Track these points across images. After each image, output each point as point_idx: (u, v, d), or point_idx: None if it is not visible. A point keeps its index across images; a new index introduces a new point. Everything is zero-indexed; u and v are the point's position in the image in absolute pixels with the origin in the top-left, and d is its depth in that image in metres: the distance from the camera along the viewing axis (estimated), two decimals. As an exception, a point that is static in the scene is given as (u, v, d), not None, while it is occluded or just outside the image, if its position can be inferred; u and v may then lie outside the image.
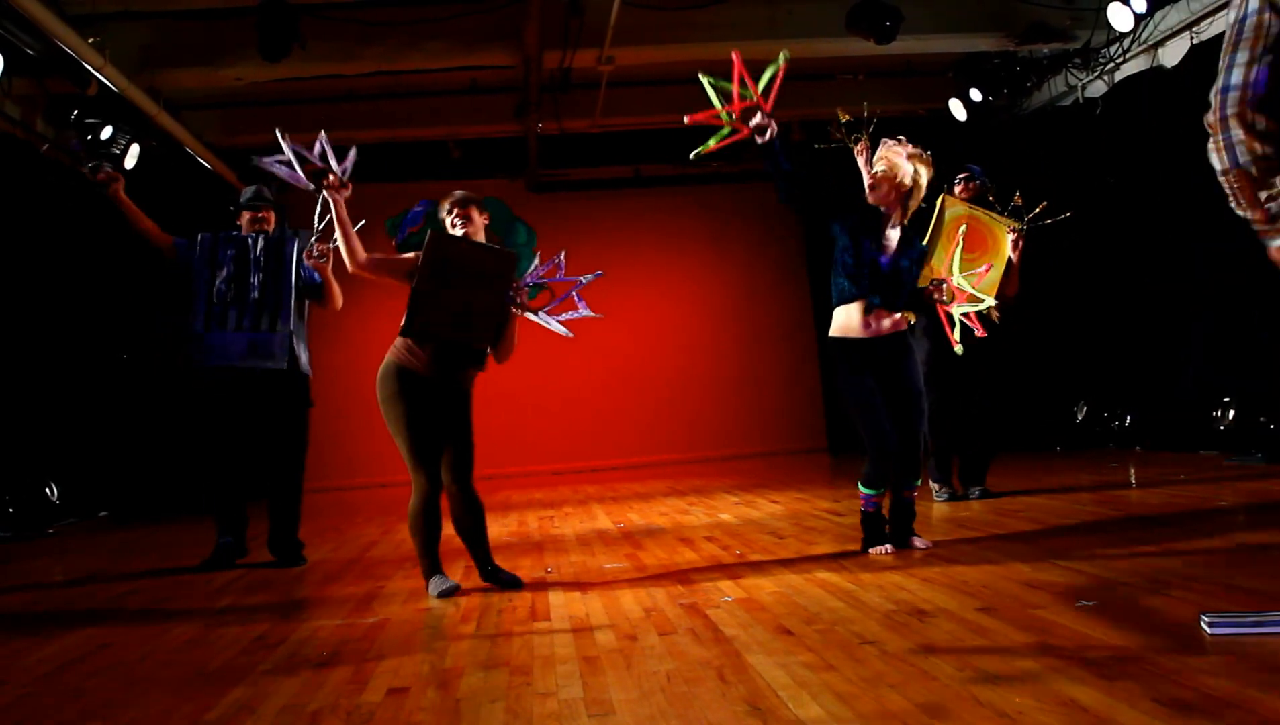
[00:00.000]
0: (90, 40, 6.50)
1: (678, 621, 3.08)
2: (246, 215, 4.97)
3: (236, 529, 5.00)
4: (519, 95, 8.54)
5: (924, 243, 4.95)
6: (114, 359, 8.79)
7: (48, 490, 7.71)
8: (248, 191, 5.06)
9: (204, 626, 3.56)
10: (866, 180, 4.08)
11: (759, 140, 3.79)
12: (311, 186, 3.74)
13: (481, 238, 3.91)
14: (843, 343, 4.03)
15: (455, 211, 3.88)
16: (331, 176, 3.69)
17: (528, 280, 3.87)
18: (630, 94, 8.90)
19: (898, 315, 4.07)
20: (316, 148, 3.69)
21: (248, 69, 7.41)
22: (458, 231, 3.86)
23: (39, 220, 8.00)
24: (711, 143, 3.73)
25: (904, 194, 4.02)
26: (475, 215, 3.90)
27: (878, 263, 3.99)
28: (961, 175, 5.40)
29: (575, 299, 3.88)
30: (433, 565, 3.91)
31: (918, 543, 4.02)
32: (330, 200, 3.73)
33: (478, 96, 9.02)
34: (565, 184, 10.39)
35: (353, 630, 3.33)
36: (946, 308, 4.11)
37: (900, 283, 4.03)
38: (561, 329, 3.91)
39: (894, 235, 4.06)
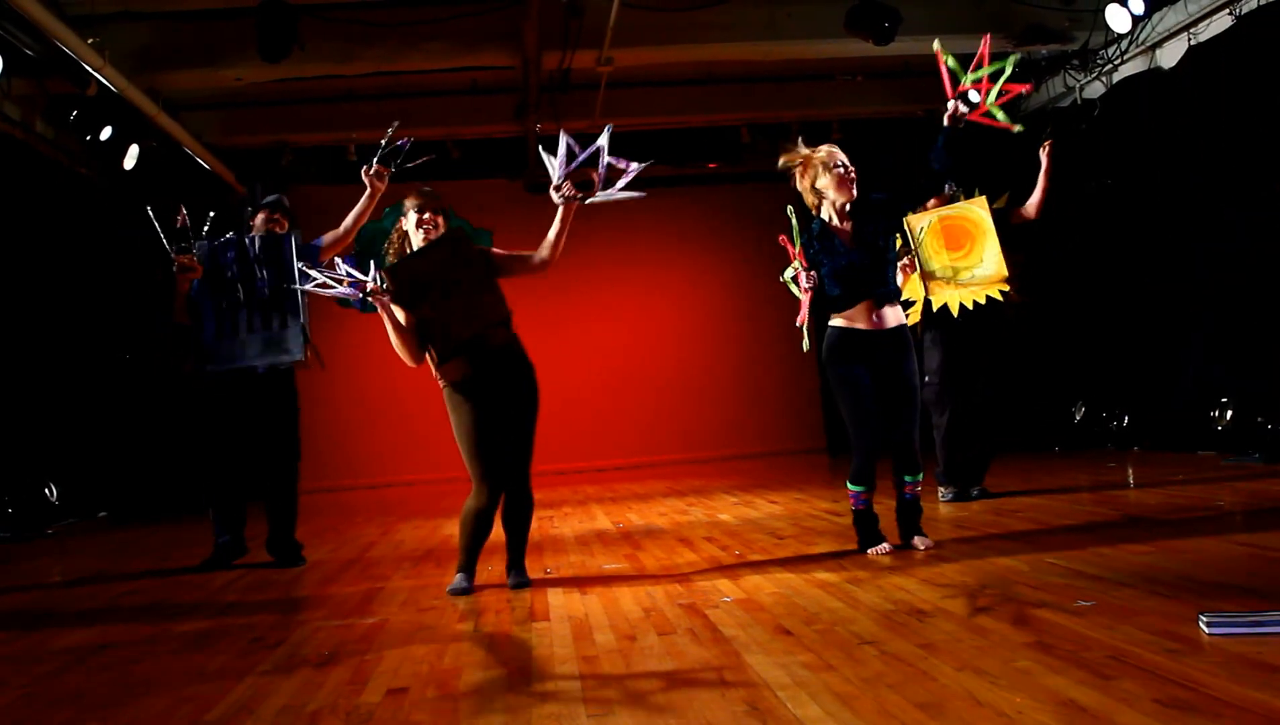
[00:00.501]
0: (90, 41, 6.50)
1: (677, 622, 3.09)
2: (263, 214, 4.98)
3: (234, 528, 5.00)
4: (518, 96, 8.55)
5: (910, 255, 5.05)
6: (114, 359, 8.79)
7: (47, 490, 7.71)
8: (270, 196, 5.10)
9: (204, 627, 3.56)
10: (838, 187, 4.04)
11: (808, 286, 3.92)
12: (361, 300, 3.77)
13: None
14: (845, 332, 4.03)
15: (428, 218, 3.82)
16: (372, 286, 3.69)
17: (559, 177, 3.73)
18: (629, 95, 8.90)
19: (899, 310, 4.08)
20: (340, 270, 3.71)
21: (247, 69, 7.41)
22: (418, 240, 3.82)
23: (39, 220, 8.00)
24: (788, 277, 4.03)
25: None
26: (441, 221, 3.88)
27: (853, 263, 3.99)
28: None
29: (617, 164, 3.72)
30: (464, 562, 3.92)
31: (919, 543, 4.02)
32: (380, 306, 3.72)
33: (478, 97, 9.02)
34: (564, 184, 10.39)
35: (352, 630, 3.33)
36: (984, 108, 3.97)
37: (882, 259, 4.02)
38: (631, 193, 3.76)
39: (847, 225, 4.05)
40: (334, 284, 3.71)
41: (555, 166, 3.74)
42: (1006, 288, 5.24)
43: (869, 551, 3.99)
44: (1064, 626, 2.63)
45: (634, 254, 10.63)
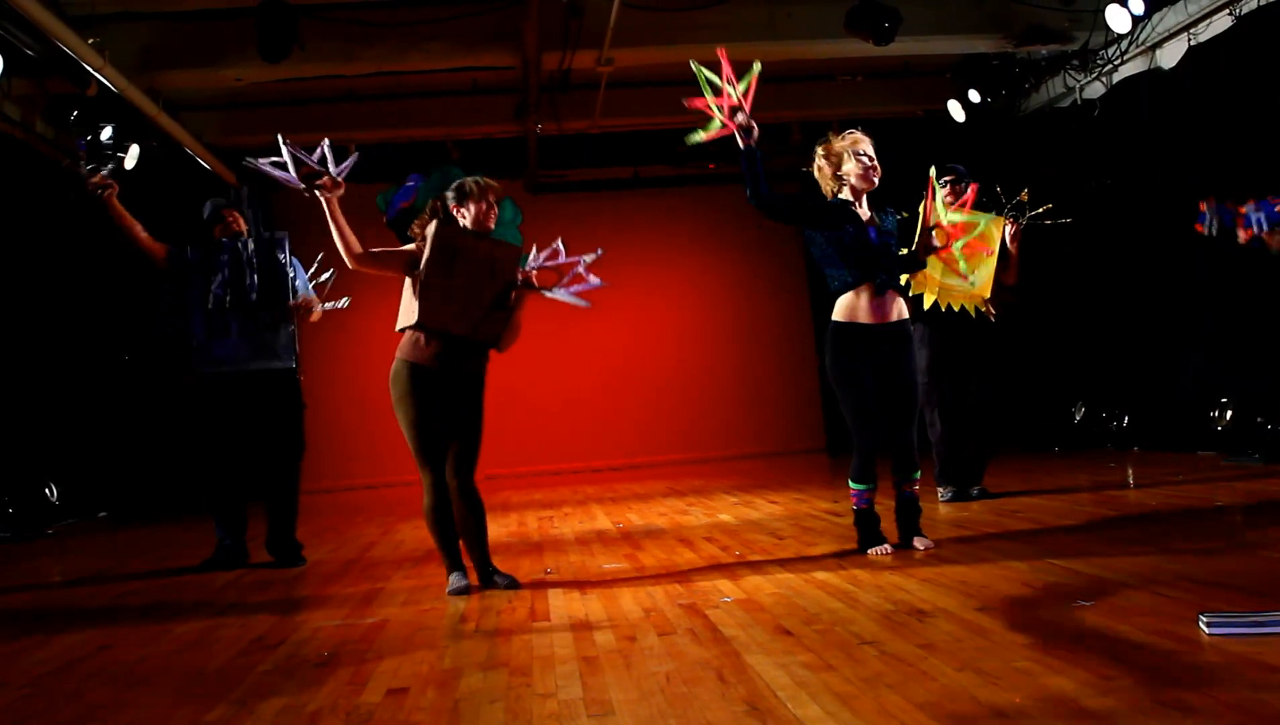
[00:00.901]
0: (90, 41, 6.51)
1: (677, 622, 3.09)
2: (216, 228, 4.98)
3: (236, 531, 5.00)
4: (519, 96, 8.55)
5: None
6: (114, 360, 8.79)
7: (47, 490, 7.72)
8: (206, 208, 5.06)
9: (204, 627, 3.57)
10: (861, 175, 4.07)
11: (742, 141, 3.89)
12: (303, 187, 3.67)
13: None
14: (848, 328, 4.03)
15: (490, 205, 3.82)
16: (325, 178, 3.64)
17: (532, 265, 3.87)
18: (629, 95, 8.90)
19: (901, 301, 4.10)
20: (317, 152, 3.66)
21: (247, 69, 7.42)
22: (475, 224, 3.81)
23: (39, 220, 8.00)
24: (702, 134, 3.91)
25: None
26: (495, 216, 3.89)
27: (868, 240, 4.02)
28: (947, 178, 5.33)
29: (584, 273, 3.88)
30: (451, 562, 3.91)
31: (919, 544, 4.01)
32: (323, 200, 3.66)
33: (478, 97, 9.03)
34: (564, 185, 10.40)
35: (352, 631, 3.33)
36: (949, 251, 4.15)
37: (892, 253, 4.07)
38: (579, 301, 3.91)
39: (865, 210, 4.09)
40: (291, 167, 3.64)
41: (535, 258, 3.88)
42: (983, 308, 5.26)
43: (869, 552, 3.99)
44: (1064, 627, 2.63)
45: (634, 254, 10.63)
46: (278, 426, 4.91)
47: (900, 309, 4.08)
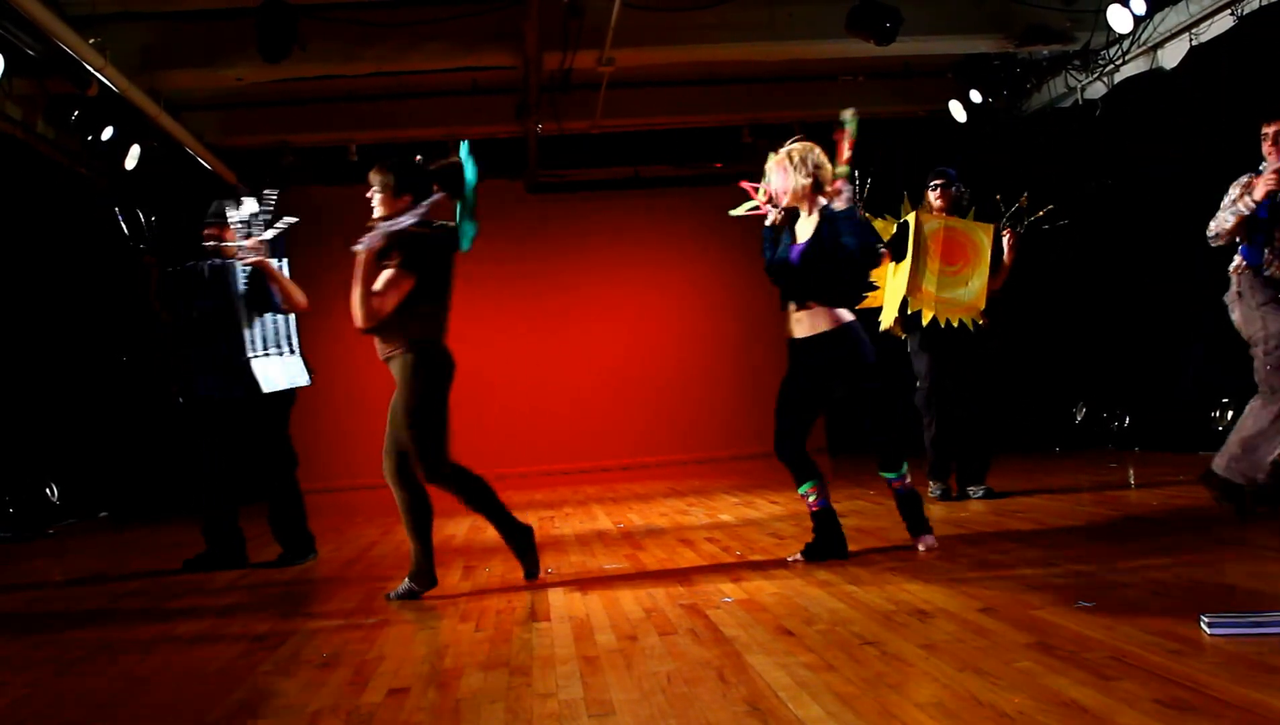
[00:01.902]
0: (90, 41, 6.51)
1: (678, 622, 3.09)
2: (209, 231, 4.94)
3: (218, 539, 4.94)
4: (519, 96, 8.54)
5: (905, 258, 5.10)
6: (114, 360, 8.78)
7: (48, 490, 7.71)
8: (212, 206, 5.02)
9: (204, 627, 3.57)
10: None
11: (772, 220, 4.07)
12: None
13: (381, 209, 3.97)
14: (788, 342, 4.04)
15: (367, 184, 3.99)
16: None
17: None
18: (630, 95, 8.90)
19: (838, 312, 3.89)
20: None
21: (248, 69, 7.41)
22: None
23: (39, 221, 8.00)
24: (742, 209, 4.21)
25: (810, 191, 3.95)
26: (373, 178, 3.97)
27: (788, 260, 3.96)
28: (937, 181, 5.30)
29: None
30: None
31: (921, 544, 3.98)
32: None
33: (478, 97, 9.02)
34: (565, 185, 10.39)
35: (353, 631, 3.33)
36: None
37: (824, 271, 3.87)
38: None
39: (808, 225, 3.96)
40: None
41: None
42: (981, 320, 5.24)
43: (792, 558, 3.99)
44: (1065, 627, 2.63)
45: (634, 254, 10.62)
46: (263, 440, 4.90)
47: (834, 318, 3.88)
